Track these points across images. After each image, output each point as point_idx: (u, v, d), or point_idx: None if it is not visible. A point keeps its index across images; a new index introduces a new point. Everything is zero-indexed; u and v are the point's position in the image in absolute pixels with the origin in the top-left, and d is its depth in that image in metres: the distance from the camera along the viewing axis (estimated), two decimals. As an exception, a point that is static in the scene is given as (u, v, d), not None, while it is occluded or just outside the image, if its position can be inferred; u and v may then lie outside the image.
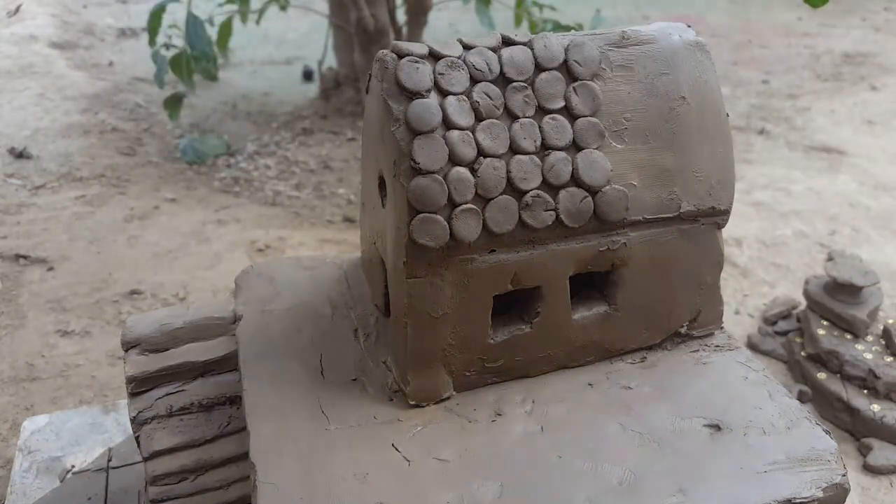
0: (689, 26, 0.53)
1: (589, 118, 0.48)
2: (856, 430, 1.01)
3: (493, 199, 0.46)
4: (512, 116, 0.46)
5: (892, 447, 0.97)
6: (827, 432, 0.48)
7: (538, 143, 0.47)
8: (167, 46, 1.93)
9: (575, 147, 0.48)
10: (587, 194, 0.48)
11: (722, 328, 0.57)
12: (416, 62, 0.45)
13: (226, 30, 2.01)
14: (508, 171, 0.46)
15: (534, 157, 0.46)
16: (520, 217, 0.47)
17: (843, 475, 0.45)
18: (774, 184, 1.83)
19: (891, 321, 1.09)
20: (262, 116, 2.28)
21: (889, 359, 1.03)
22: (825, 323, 1.11)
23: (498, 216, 0.46)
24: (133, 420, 0.59)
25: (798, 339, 1.15)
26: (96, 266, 1.42)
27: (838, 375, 1.05)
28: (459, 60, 0.46)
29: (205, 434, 0.59)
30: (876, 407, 0.99)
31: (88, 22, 3.15)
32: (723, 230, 0.54)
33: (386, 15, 1.98)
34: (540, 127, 0.47)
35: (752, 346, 1.20)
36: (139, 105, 2.29)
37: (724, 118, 0.52)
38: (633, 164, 0.49)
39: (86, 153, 1.92)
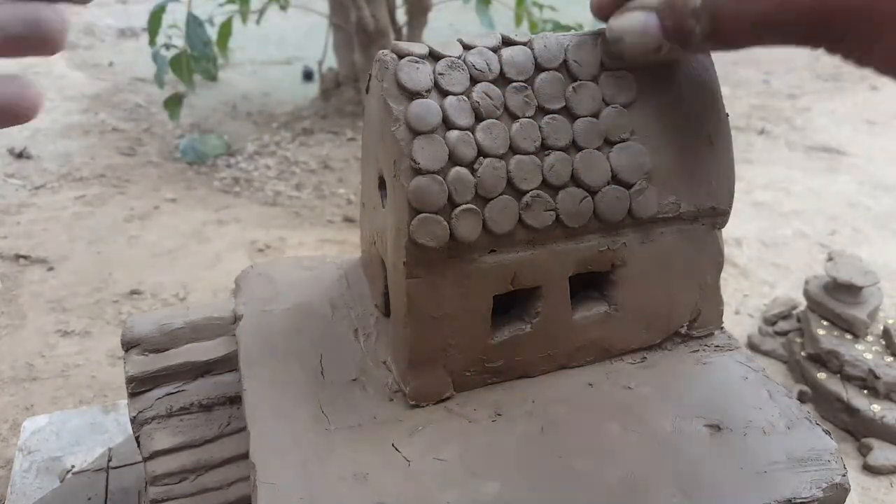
0: (689, 26, 0.53)
1: (589, 118, 0.48)
2: (856, 430, 1.01)
3: (493, 199, 0.46)
4: (512, 116, 0.46)
5: (892, 447, 0.97)
6: (827, 432, 0.48)
7: (538, 143, 0.47)
8: (167, 46, 1.93)
9: (575, 147, 0.48)
10: (587, 194, 0.48)
11: (722, 328, 0.57)
12: (416, 62, 0.45)
13: (226, 30, 2.01)
14: (508, 172, 0.46)
15: (534, 157, 0.46)
16: (520, 217, 0.47)
17: (843, 475, 0.45)
18: (774, 184, 1.83)
19: (891, 321, 1.09)
20: (262, 116, 2.28)
21: (889, 359, 1.03)
22: (825, 323, 1.11)
23: (498, 216, 0.46)
24: (133, 420, 0.59)
25: (798, 339, 1.15)
26: (96, 266, 1.42)
27: (838, 375, 1.05)
28: (459, 60, 0.46)
29: (205, 434, 0.59)
30: (876, 407, 0.99)
31: (88, 22, 3.15)
32: (723, 230, 0.54)
33: (386, 15, 1.98)
34: (540, 127, 0.47)
35: (752, 346, 1.20)
36: (139, 105, 2.29)
37: (724, 118, 0.52)
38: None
39: (86, 153, 1.92)
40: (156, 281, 1.37)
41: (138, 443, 0.59)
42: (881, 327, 1.09)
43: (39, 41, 0.28)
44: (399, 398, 0.51)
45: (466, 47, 0.47)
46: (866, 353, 1.04)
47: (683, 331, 0.56)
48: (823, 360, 1.06)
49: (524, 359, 0.52)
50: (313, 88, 2.47)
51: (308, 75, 2.61)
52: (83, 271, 1.39)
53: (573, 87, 0.48)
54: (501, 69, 0.47)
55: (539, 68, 0.47)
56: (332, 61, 2.38)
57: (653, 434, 0.48)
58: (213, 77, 1.90)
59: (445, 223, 0.45)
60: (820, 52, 0.32)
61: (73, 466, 0.84)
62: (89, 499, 0.77)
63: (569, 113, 0.48)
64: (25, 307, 1.28)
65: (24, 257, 1.43)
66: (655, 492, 0.43)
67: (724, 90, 0.62)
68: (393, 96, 0.45)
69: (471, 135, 0.45)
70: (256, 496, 0.44)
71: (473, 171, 0.45)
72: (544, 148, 0.47)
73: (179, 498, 0.57)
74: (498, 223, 0.46)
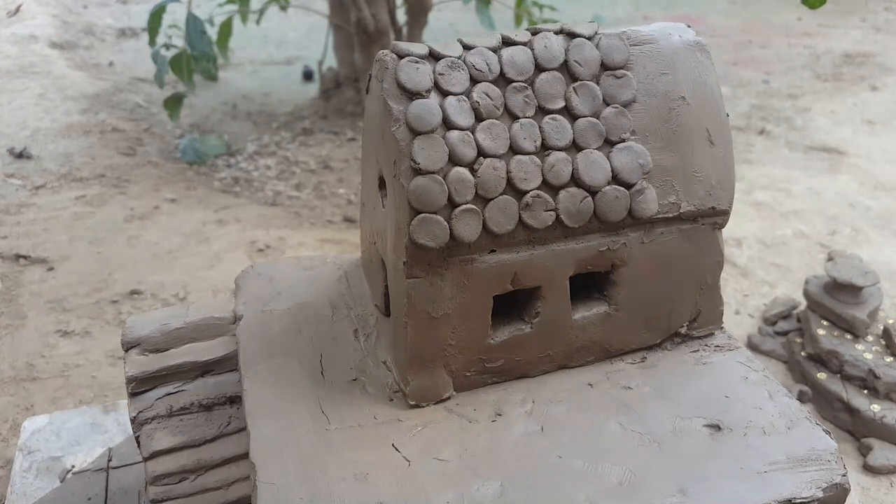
0: (688, 26, 0.53)
1: (589, 118, 0.48)
2: (856, 430, 1.01)
3: (493, 199, 0.46)
4: (512, 117, 0.47)
5: (892, 447, 0.97)
6: (827, 432, 0.48)
7: (538, 143, 0.47)
8: (167, 46, 1.93)
9: (575, 147, 0.48)
10: (587, 194, 0.48)
11: (722, 328, 0.57)
12: (416, 62, 0.45)
13: (226, 30, 2.01)
14: (508, 172, 0.46)
15: (534, 157, 0.46)
16: (520, 217, 0.47)
17: (843, 475, 0.45)
18: (774, 184, 1.83)
19: (891, 321, 1.09)
20: (262, 116, 2.28)
21: (889, 359, 1.03)
22: (825, 323, 1.10)
23: (498, 216, 0.46)
24: (133, 420, 0.59)
25: (798, 339, 1.15)
26: (96, 266, 1.41)
27: (838, 375, 1.05)
28: (459, 61, 0.46)
29: (205, 434, 0.59)
30: (876, 407, 0.99)
31: (88, 22, 3.15)
32: (723, 230, 0.54)
33: (386, 15, 1.98)
34: (540, 127, 0.47)
35: (752, 346, 1.20)
36: (139, 105, 2.29)
37: (724, 118, 0.52)
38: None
39: (86, 153, 1.92)
40: (156, 281, 1.37)
41: (138, 443, 0.59)
42: (881, 327, 1.09)
43: None
44: (399, 398, 0.51)
45: (466, 47, 0.47)
46: (866, 353, 1.04)
47: (683, 331, 0.56)
48: (823, 360, 1.06)
49: (524, 359, 0.52)
50: (313, 88, 2.48)
51: (308, 75, 2.61)
52: (83, 271, 1.39)
53: (573, 87, 0.48)
54: (501, 69, 0.47)
55: (539, 68, 0.48)
56: (332, 61, 2.38)
57: (653, 434, 0.48)
58: (213, 77, 1.90)
59: (445, 223, 0.45)
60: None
61: (73, 466, 0.84)
62: (89, 499, 0.77)
63: (569, 113, 0.48)
64: (25, 307, 1.28)
65: (24, 257, 1.43)
66: (655, 491, 0.43)
67: (724, 90, 0.62)
68: (393, 96, 0.45)
69: (471, 135, 0.45)
70: (256, 496, 0.44)
71: (473, 172, 0.45)
72: (544, 148, 0.47)
73: (179, 498, 0.57)
74: (498, 223, 0.46)
